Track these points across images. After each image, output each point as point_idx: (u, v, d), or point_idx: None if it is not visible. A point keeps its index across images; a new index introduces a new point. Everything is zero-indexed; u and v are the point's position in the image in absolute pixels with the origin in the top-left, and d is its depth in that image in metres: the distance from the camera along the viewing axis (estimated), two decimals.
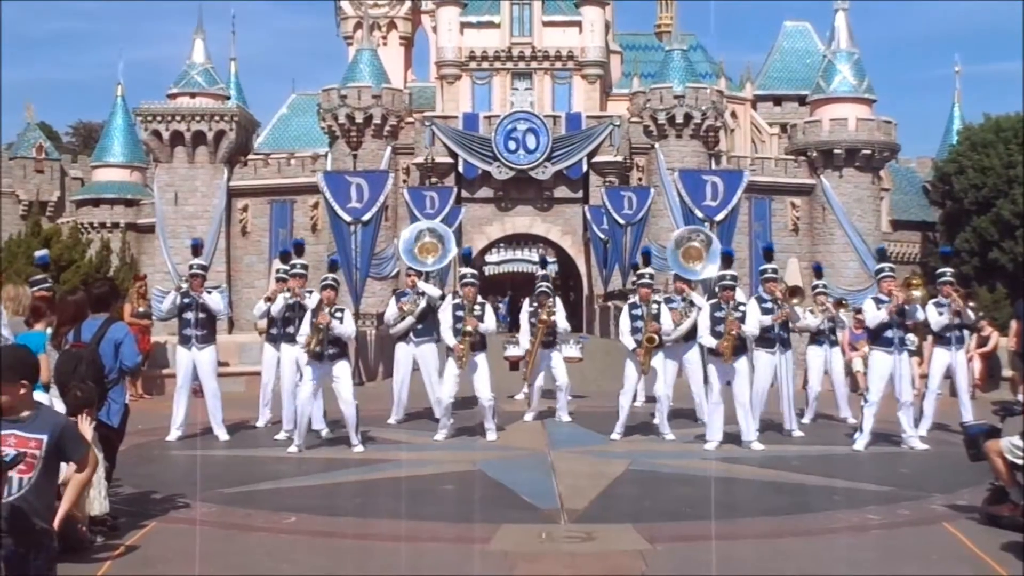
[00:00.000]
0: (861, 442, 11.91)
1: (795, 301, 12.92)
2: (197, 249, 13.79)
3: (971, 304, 13.43)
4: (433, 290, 14.44)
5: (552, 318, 13.88)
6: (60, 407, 7.46)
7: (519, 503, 9.04)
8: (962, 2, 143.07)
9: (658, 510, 8.94)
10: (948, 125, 57.90)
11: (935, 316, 12.89)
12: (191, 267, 13.09)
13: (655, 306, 12.61)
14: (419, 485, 10.21)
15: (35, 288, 10.49)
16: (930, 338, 13.72)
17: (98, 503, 7.40)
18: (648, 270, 13.21)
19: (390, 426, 13.97)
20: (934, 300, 13.11)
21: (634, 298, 13.03)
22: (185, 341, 12.85)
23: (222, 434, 12.82)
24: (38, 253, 12.95)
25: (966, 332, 13.85)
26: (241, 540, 7.82)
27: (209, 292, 13.01)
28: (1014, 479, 7.70)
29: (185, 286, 12.85)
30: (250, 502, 9.07)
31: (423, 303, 14.02)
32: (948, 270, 13.30)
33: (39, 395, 7.45)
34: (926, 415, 13.08)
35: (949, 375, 13.41)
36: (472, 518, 8.37)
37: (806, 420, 14.21)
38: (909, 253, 54.75)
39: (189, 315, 12.78)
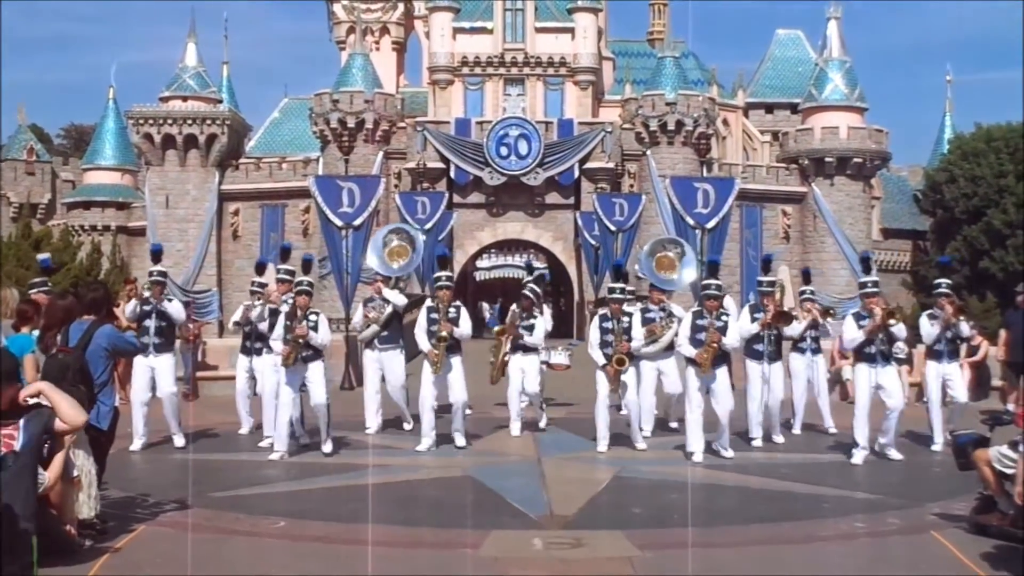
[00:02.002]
0: (859, 456, 11.65)
1: (781, 324, 12.98)
2: (158, 256, 13.50)
3: (961, 318, 13.28)
4: (398, 298, 14.23)
5: (522, 328, 13.55)
6: None
7: (509, 509, 9.04)
8: (954, 11, 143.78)
9: (647, 517, 8.96)
10: (939, 134, 58.07)
11: (927, 328, 12.83)
12: (151, 274, 12.75)
13: (626, 320, 12.23)
14: (409, 491, 10.22)
15: (34, 291, 10.49)
16: (922, 350, 13.67)
17: (87, 506, 7.37)
18: (619, 284, 12.69)
19: (369, 434, 13.88)
20: (929, 312, 13.06)
21: (605, 309, 12.56)
22: (142, 349, 12.35)
23: (179, 440, 12.45)
24: (40, 256, 12.76)
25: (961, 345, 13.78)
26: (230, 544, 7.82)
27: (169, 300, 12.74)
28: (1002, 488, 7.72)
29: (147, 293, 12.51)
30: (239, 506, 9.06)
31: (388, 310, 13.91)
32: (945, 281, 13.21)
33: None
34: (934, 426, 12.88)
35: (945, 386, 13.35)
36: (462, 524, 8.37)
37: (796, 431, 14.10)
38: (900, 262, 54.92)
39: (148, 323, 12.41)
